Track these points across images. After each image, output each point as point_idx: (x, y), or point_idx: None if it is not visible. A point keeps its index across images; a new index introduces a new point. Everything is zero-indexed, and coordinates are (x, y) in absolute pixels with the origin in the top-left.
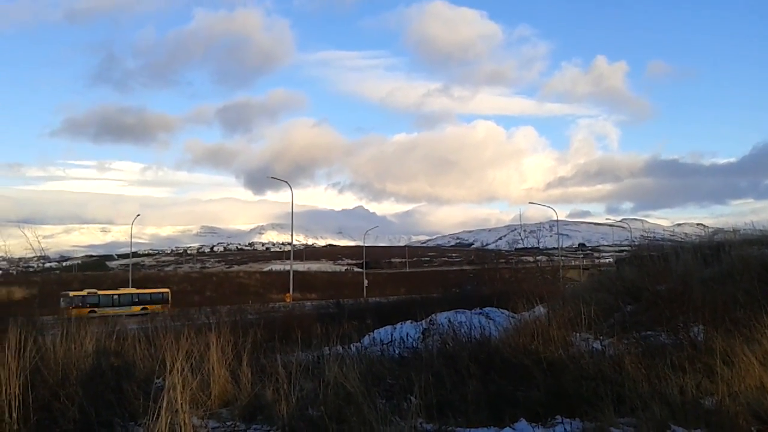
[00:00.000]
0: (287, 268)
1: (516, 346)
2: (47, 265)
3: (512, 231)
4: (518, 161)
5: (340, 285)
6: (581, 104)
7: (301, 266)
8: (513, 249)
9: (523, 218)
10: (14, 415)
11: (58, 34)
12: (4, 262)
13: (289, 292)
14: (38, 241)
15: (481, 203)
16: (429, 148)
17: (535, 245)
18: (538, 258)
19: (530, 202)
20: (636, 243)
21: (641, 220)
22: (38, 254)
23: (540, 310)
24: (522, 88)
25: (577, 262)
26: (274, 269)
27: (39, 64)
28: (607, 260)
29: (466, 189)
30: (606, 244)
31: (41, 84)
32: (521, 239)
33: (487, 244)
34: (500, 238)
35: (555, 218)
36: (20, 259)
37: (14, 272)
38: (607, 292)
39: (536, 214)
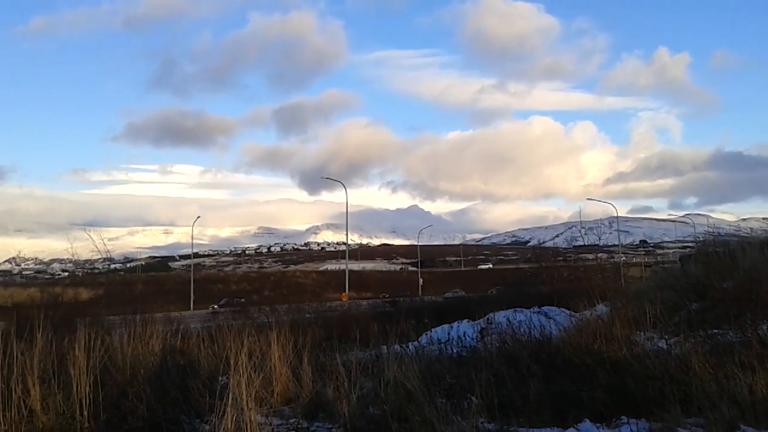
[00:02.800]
0: (342, 267)
1: (578, 346)
2: (112, 266)
3: (570, 228)
4: (576, 157)
5: (395, 284)
6: (642, 97)
7: (355, 266)
8: (571, 246)
9: (581, 215)
10: (85, 412)
11: (118, 40)
12: (71, 264)
13: (345, 291)
14: (104, 243)
15: (538, 200)
16: (483, 146)
17: (596, 242)
18: (598, 255)
19: (588, 199)
20: (700, 239)
21: (705, 216)
22: (104, 256)
23: (601, 308)
24: (580, 81)
25: (638, 260)
26: (329, 269)
27: (101, 71)
28: (670, 257)
29: (522, 186)
30: (668, 240)
31: (103, 90)
32: (582, 236)
33: (544, 242)
34: (557, 236)
35: (615, 215)
36: (86, 261)
37: (80, 274)
38: (671, 290)
39: (595, 210)
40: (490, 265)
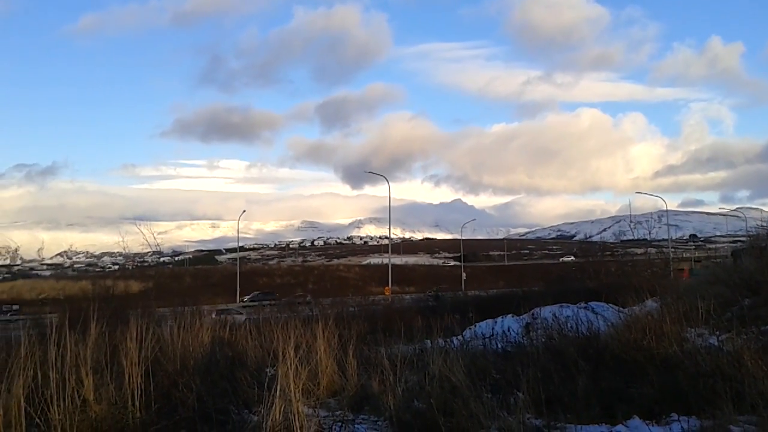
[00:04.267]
0: (385, 261)
1: (626, 342)
2: (161, 259)
3: (617, 222)
4: (625, 149)
5: (438, 278)
6: (694, 88)
7: (398, 260)
8: (619, 241)
9: (630, 209)
10: (137, 402)
11: (166, 37)
12: (121, 258)
13: (388, 285)
14: (154, 237)
15: (585, 194)
16: (529, 138)
17: (645, 236)
18: (647, 250)
19: (637, 192)
20: (753, 233)
21: (758, 209)
22: (153, 250)
23: (651, 304)
24: (630, 72)
25: (688, 254)
26: (372, 263)
27: (149, 68)
28: (721, 252)
29: (568, 179)
30: (719, 234)
31: (152, 87)
32: (630, 230)
33: (590, 236)
34: (604, 230)
35: (664, 208)
36: (136, 254)
37: (130, 267)
38: (723, 285)
39: (645, 204)
40: (573, 258)
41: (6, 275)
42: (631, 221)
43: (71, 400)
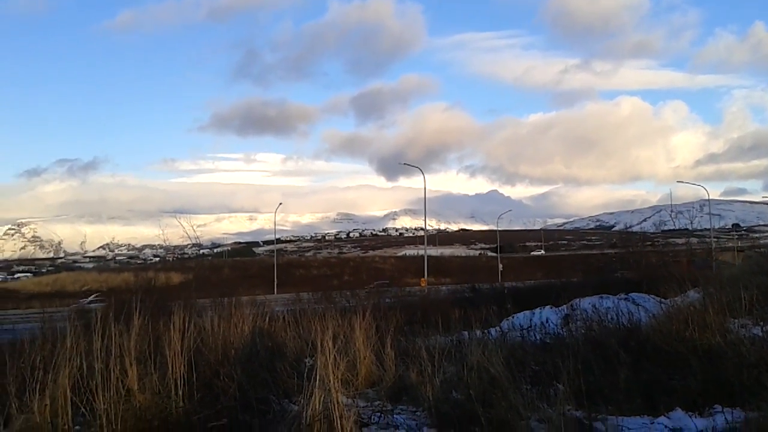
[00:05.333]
0: (421, 252)
1: (668, 333)
2: (200, 252)
3: (658, 212)
4: (666, 138)
5: (474, 269)
6: (736, 74)
7: (434, 251)
8: (659, 231)
9: (671, 198)
10: (180, 392)
11: (202, 33)
12: (162, 250)
13: (423, 276)
14: (193, 230)
15: (624, 184)
16: (566, 128)
17: (687, 226)
18: (689, 240)
19: (678, 181)
20: None
21: None
22: (193, 242)
23: (693, 295)
24: (670, 59)
25: (731, 244)
26: (407, 254)
27: (186, 63)
28: (764, 241)
29: (606, 169)
30: (763, 223)
31: (189, 82)
32: (671, 219)
33: (630, 227)
34: (645, 220)
35: (706, 197)
36: (176, 246)
37: (171, 259)
38: (767, 275)
39: (686, 193)
40: (542, 252)
41: (50, 268)
42: (672, 211)
43: (116, 389)
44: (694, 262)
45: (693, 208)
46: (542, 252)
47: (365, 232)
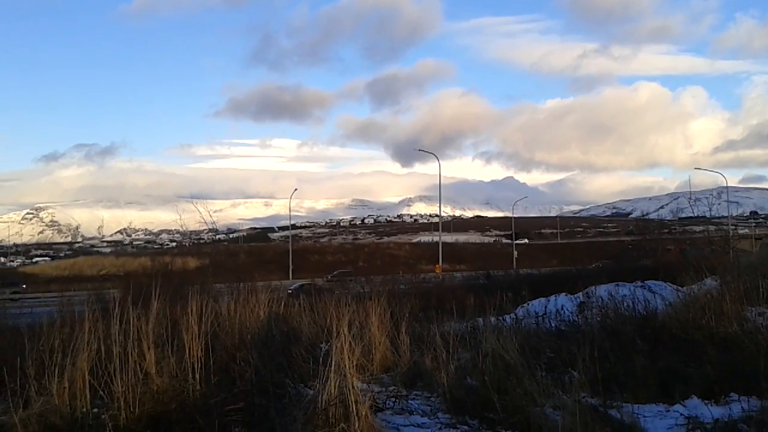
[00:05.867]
0: (435, 239)
1: (685, 321)
2: (216, 237)
3: (675, 199)
4: (684, 124)
5: (489, 256)
6: (756, 60)
7: (449, 237)
8: (677, 218)
9: (688, 185)
10: (197, 375)
11: (218, 17)
12: (178, 235)
13: (438, 263)
14: (210, 215)
15: (642, 170)
16: (583, 114)
17: (705, 214)
18: (707, 228)
19: (696, 168)
20: None
21: None
22: (210, 227)
23: (710, 283)
24: (690, 44)
25: (748, 231)
26: (422, 241)
27: (202, 48)
28: None
29: (624, 156)
30: None
31: (206, 67)
32: (690, 207)
33: (647, 214)
34: (662, 207)
35: (724, 184)
36: (192, 231)
37: (187, 244)
38: None
39: (704, 180)
40: (527, 240)
41: (68, 252)
42: (690, 198)
43: (134, 373)
44: (685, 250)
45: (711, 195)
46: (525, 241)
47: (380, 219)
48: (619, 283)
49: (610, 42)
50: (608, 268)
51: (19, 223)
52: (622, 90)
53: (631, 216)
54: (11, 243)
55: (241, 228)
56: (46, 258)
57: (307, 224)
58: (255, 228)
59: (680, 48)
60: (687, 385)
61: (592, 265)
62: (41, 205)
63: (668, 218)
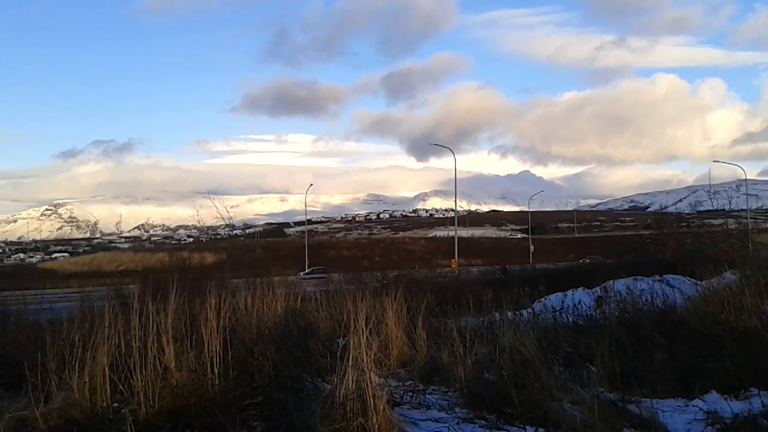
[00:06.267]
0: (451, 234)
1: (704, 315)
2: (233, 232)
3: (694, 192)
4: (702, 116)
5: (505, 251)
6: None
7: (464, 232)
8: (695, 212)
9: (706, 178)
10: (216, 370)
11: (233, 13)
12: (195, 230)
13: (454, 257)
14: (227, 211)
15: (660, 163)
16: (601, 107)
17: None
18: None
19: (715, 161)
20: None
21: None
22: (227, 223)
23: (729, 276)
24: (708, 36)
25: None
26: (438, 235)
27: (217, 44)
28: None
29: (641, 149)
30: None
31: (221, 62)
32: (709, 200)
33: (665, 207)
34: (680, 200)
35: (743, 177)
36: (209, 227)
37: (204, 240)
38: None
39: (723, 173)
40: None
41: (86, 248)
42: (709, 191)
43: (153, 367)
44: (683, 244)
45: (730, 188)
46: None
47: (395, 213)
48: (638, 277)
49: (628, 34)
50: (626, 262)
51: (38, 220)
52: (639, 82)
53: (649, 210)
54: (31, 239)
55: (257, 223)
56: (65, 254)
57: (323, 219)
58: (271, 223)
59: (698, 39)
60: (706, 379)
61: (580, 260)
62: (60, 201)
63: (687, 212)
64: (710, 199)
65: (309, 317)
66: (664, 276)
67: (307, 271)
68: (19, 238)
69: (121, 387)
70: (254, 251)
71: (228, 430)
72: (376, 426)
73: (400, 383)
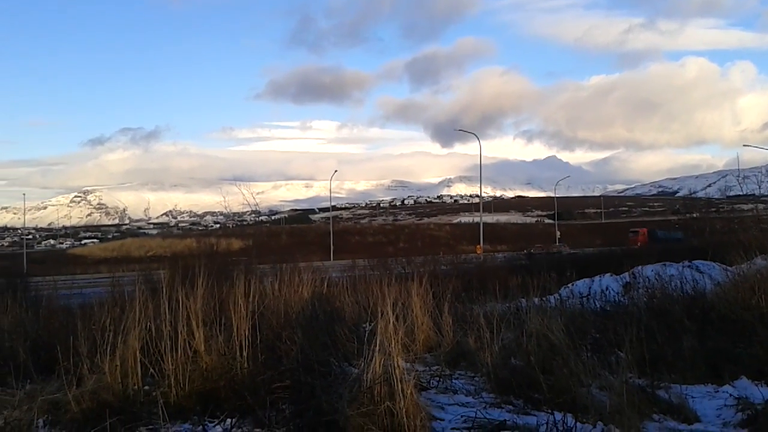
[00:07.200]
0: (476, 219)
1: (734, 301)
2: (259, 218)
3: (723, 177)
4: (733, 100)
5: (531, 237)
6: None
7: (489, 218)
8: (725, 196)
9: (736, 163)
10: (244, 353)
11: (257, 0)
12: (222, 217)
13: (479, 243)
14: (253, 197)
15: (689, 148)
16: (629, 90)
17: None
18: (755, 206)
19: (745, 145)
20: None
21: None
22: (253, 209)
23: (760, 262)
24: (739, 18)
25: None
26: (462, 221)
27: (242, 31)
28: None
29: (670, 133)
30: None
31: (246, 50)
32: (738, 185)
33: (694, 192)
34: (710, 185)
35: None
36: (235, 213)
37: (230, 226)
38: None
39: (753, 157)
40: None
41: (116, 234)
42: (738, 175)
43: (183, 351)
44: (653, 232)
45: (760, 172)
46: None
47: (420, 200)
48: (666, 263)
49: (657, 16)
50: (655, 248)
51: (68, 206)
52: (668, 66)
53: (677, 195)
54: (60, 225)
55: (282, 210)
56: (95, 240)
57: (348, 206)
58: (296, 209)
59: (729, 22)
60: (736, 365)
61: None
62: (89, 188)
63: (716, 197)
64: (740, 183)
65: (335, 302)
66: (693, 262)
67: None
68: (50, 224)
69: (151, 370)
70: (280, 237)
71: (257, 413)
72: (404, 410)
73: (427, 368)
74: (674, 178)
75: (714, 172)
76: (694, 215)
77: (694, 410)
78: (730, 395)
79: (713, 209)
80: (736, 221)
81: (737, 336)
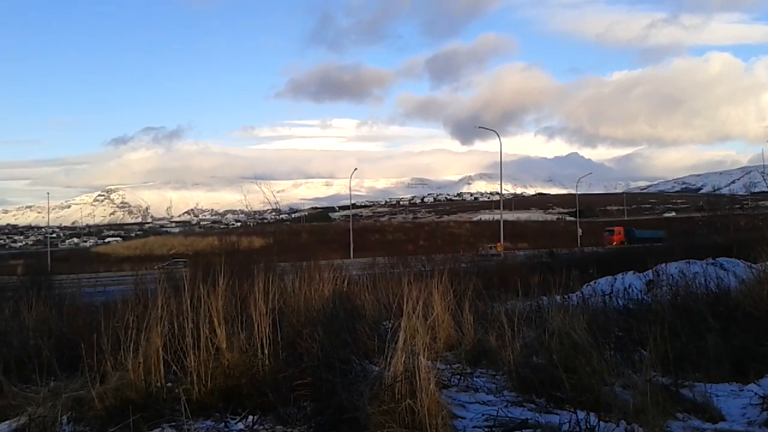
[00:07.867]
0: (496, 217)
1: (759, 299)
2: (280, 217)
3: (748, 173)
4: (757, 96)
5: (552, 234)
6: None
7: (510, 216)
8: (749, 193)
9: (761, 159)
10: (266, 351)
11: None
12: (243, 215)
13: (499, 241)
14: (273, 195)
15: (713, 144)
16: (652, 86)
17: None
18: None
19: None
20: None
21: None
22: (273, 207)
23: None
24: (764, 12)
25: None
26: (483, 219)
27: (262, 30)
28: None
29: (694, 129)
30: None
31: (266, 48)
32: (763, 180)
33: (718, 189)
34: (734, 182)
35: None
36: (256, 212)
37: (251, 224)
38: None
39: None
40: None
41: (138, 232)
42: (763, 171)
43: (205, 348)
44: (630, 231)
45: None
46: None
47: (440, 197)
48: (690, 260)
49: (680, 11)
50: (678, 245)
51: (91, 205)
52: (692, 61)
53: (701, 191)
54: (84, 224)
55: (302, 208)
56: (118, 238)
57: (368, 203)
58: (316, 208)
59: (753, 16)
60: (761, 363)
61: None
62: (112, 187)
63: (740, 193)
64: (764, 180)
65: (355, 300)
66: (717, 259)
67: (167, 263)
68: (73, 223)
69: (174, 367)
70: (300, 235)
71: (278, 410)
72: (425, 408)
73: (448, 366)
74: (698, 175)
75: (738, 169)
76: (718, 212)
77: (718, 409)
78: (755, 394)
79: (737, 206)
80: (761, 218)
81: (762, 334)
